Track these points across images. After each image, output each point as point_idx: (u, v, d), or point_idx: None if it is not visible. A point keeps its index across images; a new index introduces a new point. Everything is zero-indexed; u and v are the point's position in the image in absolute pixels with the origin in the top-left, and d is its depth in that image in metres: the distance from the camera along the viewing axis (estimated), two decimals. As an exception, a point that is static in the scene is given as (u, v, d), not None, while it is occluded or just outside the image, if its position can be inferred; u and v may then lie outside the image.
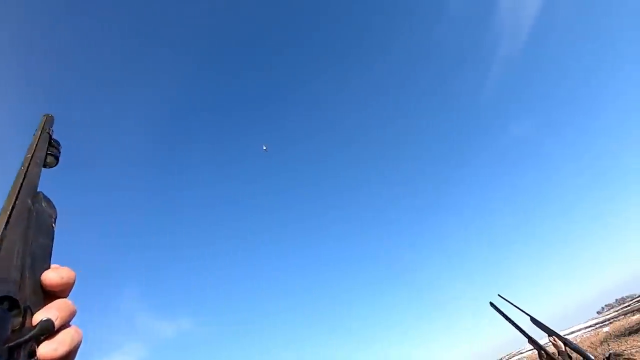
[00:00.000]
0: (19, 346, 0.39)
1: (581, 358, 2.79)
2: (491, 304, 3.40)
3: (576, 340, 28.45)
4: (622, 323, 29.16)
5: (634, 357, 2.52)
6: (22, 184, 0.55)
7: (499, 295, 3.78)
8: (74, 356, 0.53)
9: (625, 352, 12.60)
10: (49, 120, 0.65)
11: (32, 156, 0.60)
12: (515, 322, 3.23)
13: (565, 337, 2.99)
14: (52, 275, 0.54)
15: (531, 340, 3.13)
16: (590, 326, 48.75)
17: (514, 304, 3.42)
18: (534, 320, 3.14)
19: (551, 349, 2.94)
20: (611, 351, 2.86)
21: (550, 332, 2.97)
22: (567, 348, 2.91)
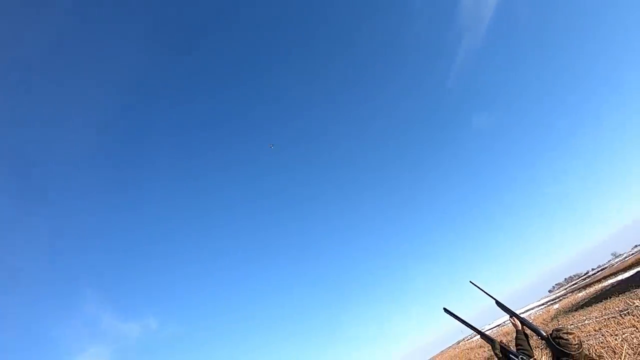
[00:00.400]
0: None
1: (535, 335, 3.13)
2: (445, 309, 3.54)
3: (530, 318, 30.78)
4: (569, 300, 31.90)
5: (572, 332, 2.84)
6: None
7: (470, 281, 4.07)
8: None
9: (569, 326, 13.89)
10: None
11: None
12: (468, 321, 3.43)
13: (521, 315, 3.36)
14: None
15: (483, 336, 3.37)
16: (542, 304, 53.01)
17: (482, 289, 3.76)
18: (498, 303, 3.49)
19: (508, 328, 3.24)
20: (557, 326, 3.22)
21: (511, 314, 3.34)
22: (523, 327, 3.27)
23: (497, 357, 3.15)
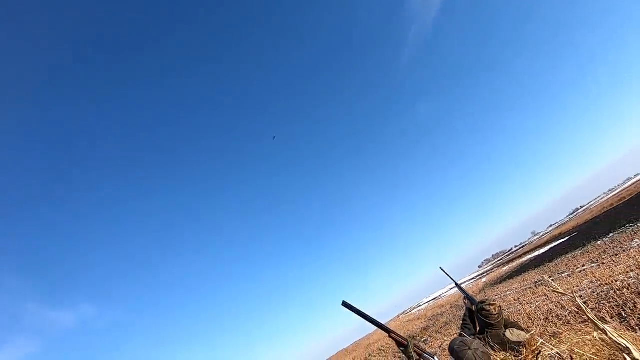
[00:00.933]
0: None
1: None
2: (343, 303, 3.19)
3: (462, 291, 33.89)
4: (495, 274, 35.67)
5: (494, 303, 3.11)
6: None
7: (440, 268, 4.28)
8: None
9: (493, 297, 15.56)
10: None
11: None
12: (368, 315, 3.13)
13: (470, 295, 3.55)
14: None
15: (382, 328, 3.20)
16: (473, 278, 58.85)
17: (448, 274, 4.09)
18: (457, 286, 3.69)
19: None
20: (482, 299, 3.49)
21: (465, 294, 3.55)
22: (472, 305, 3.51)
23: (408, 357, 3.10)
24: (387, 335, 3.12)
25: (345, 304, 3.14)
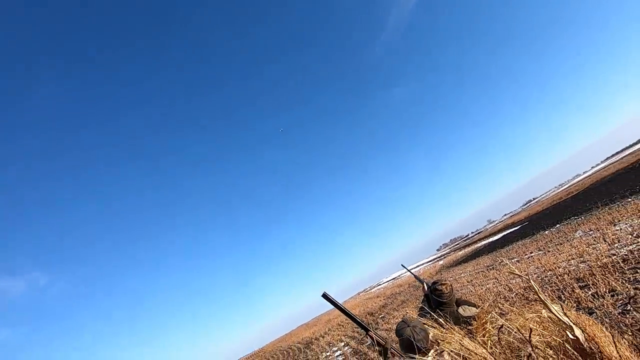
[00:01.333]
0: None
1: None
2: (323, 295, 3.26)
3: (421, 271, 35.92)
4: (452, 257, 37.88)
5: (445, 282, 3.36)
6: None
7: (402, 265, 4.43)
8: None
9: (448, 278, 16.60)
10: None
11: None
12: (348, 311, 3.26)
13: (414, 270, 3.70)
14: None
15: (361, 325, 3.33)
16: (431, 260, 62.37)
17: (408, 269, 4.32)
18: (415, 277, 3.87)
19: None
20: (435, 279, 3.67)
21: (423, 283, 3.68)
22: (428, 289, 3.67)
23: (384, 358, 3.24)
24: (365, 333, 3.24)
25: (324, 296, 3.22)
